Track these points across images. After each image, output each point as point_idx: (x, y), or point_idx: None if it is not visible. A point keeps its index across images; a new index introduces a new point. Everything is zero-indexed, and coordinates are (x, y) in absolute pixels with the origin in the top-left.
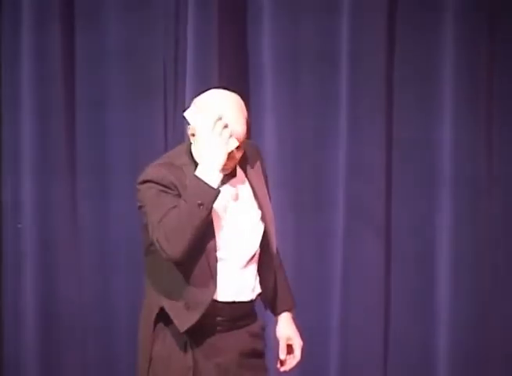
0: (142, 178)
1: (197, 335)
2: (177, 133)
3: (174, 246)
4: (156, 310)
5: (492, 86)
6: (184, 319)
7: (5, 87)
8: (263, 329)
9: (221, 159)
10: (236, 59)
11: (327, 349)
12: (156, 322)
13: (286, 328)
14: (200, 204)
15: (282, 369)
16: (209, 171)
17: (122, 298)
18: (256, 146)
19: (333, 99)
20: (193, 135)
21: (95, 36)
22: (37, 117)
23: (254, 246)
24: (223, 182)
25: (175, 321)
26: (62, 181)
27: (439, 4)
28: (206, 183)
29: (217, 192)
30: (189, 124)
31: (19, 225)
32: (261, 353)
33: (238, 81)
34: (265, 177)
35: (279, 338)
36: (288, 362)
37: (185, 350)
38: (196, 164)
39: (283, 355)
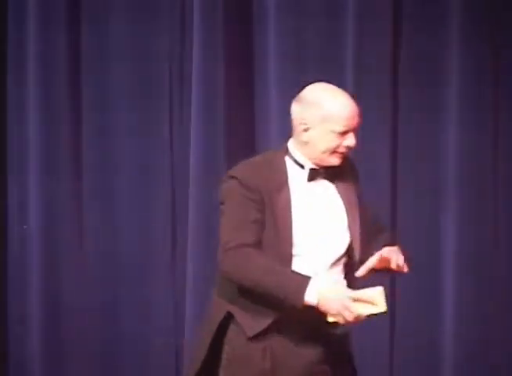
0: (232, 172)
1: (275, 339)
2: (182, 134)
3: (234, 281)
4: (223, 313)
5: (498, 87)
6: (252, 325)
7: (12, 88)
8: (347, 334)
9: (330, 309)
10: (242, 60)
11: None
12: (220, 325)
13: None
14: (282, 298)
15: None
16: (319, 291)
17: (129, 299)
18: (350, 159)
19: None
20: (306, 130)
21: (100, 37)
22: (42, 117)
23: (337, 251)
24: (315, 177)
25: (243, 326)
26: (67, 181)
27: (444, 6)
28: (303, 296)
29: (300, 306)
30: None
31: (25, 227)
32: (344, 358)
33: (244, 83)
34: (358, 190)
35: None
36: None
37: (263, 354)
38: (294, 161)
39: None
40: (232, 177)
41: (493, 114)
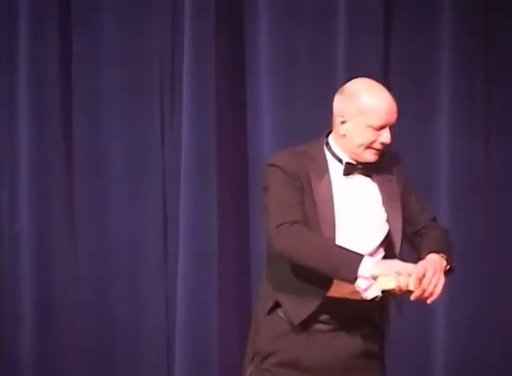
0: (271, 161)
1: (305, 333)
2: (173, 135)
3: (288, 256)
4: (271, 303)
5: (489, 86)
6: (298, 312)
7: (2, 88)
8: (380, 330)
9: (389, 271)
10: (233, 60)
11: None
12: (268, 314)
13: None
14: (334, 268)
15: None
16: (372, 265)
17: (120, 298)
18: (396, 154)
19: (329, 101)
20: (343, 122)
21: (91, 38)
22: (34, 118)
23: (371, 244)
24: (351, 171)
25: (290, 314)
26: (58, 181)
27: (435, 5)
28: (357, 268)
29: (353, 280)
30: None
31: (17, 226)
32: (373, 355)
33: (235, 83)
34: (404, 184)
35: None
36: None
37: (289, 348)
38: (332, 154)
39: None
40: (273, 165)
41: (485, 114)
